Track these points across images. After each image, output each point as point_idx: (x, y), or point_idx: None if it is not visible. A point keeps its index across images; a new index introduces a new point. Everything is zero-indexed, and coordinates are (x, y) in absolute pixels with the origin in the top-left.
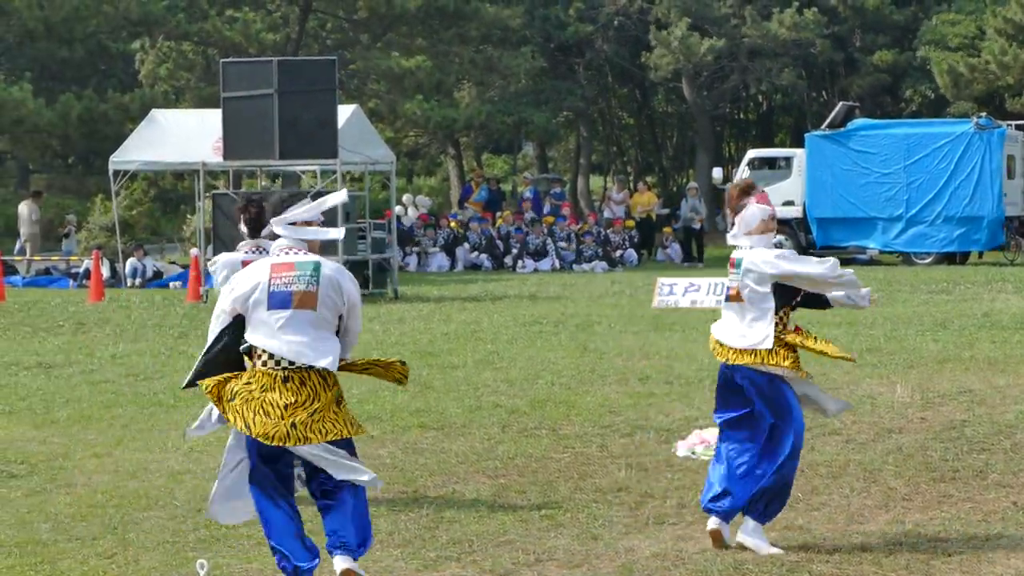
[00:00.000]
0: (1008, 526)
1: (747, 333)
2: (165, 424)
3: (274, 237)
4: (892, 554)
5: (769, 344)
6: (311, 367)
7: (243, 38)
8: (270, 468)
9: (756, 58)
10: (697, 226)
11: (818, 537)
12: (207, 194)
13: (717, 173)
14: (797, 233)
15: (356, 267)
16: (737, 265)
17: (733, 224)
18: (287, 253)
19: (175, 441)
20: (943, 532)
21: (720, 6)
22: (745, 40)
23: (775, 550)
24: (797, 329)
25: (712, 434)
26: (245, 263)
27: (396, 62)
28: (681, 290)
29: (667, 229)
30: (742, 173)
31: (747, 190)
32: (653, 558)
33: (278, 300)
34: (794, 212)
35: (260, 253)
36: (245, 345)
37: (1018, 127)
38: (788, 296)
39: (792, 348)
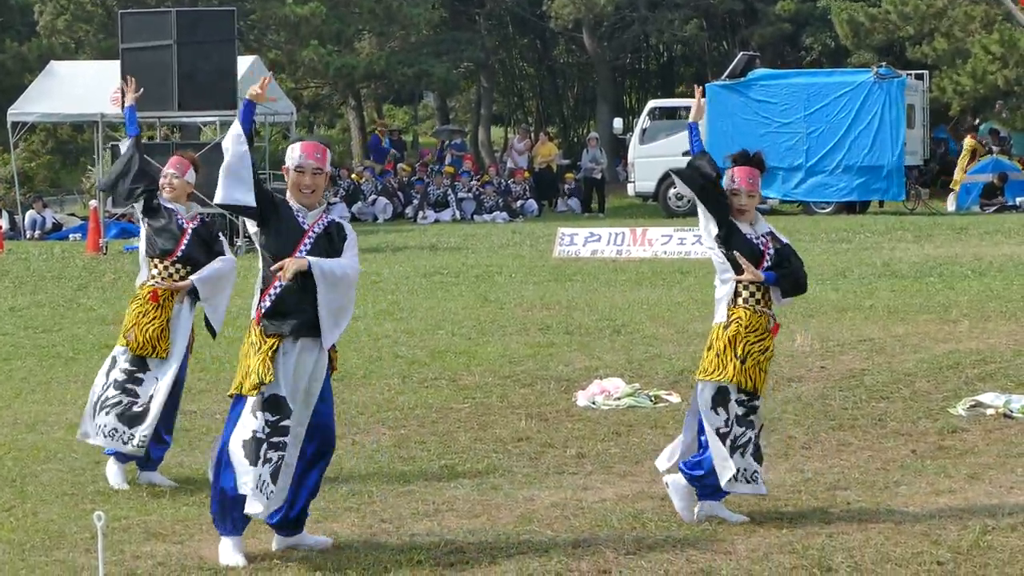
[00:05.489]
0: (906, 474)
1: None
2: (64, 377)
3: None
4: (792, 502)
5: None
6: None
7: None
8: None
9: (657, 8)
10: (598, 176)
11: None
12: (106, 146)
13: (618, 123)
14: None
15: None
16: None
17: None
18: None
19: (74, 394)
20: (842, 480)
21: None
22: None
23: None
24: None
25: (612, 384)
26: None
27: (292, 9)
28: (581, 240)
29: (569, 175)
30: (643, 123)
31: None
32: (552, 508)
33: None
34: None
35: None
36: None
37: (917, 76)
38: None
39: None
